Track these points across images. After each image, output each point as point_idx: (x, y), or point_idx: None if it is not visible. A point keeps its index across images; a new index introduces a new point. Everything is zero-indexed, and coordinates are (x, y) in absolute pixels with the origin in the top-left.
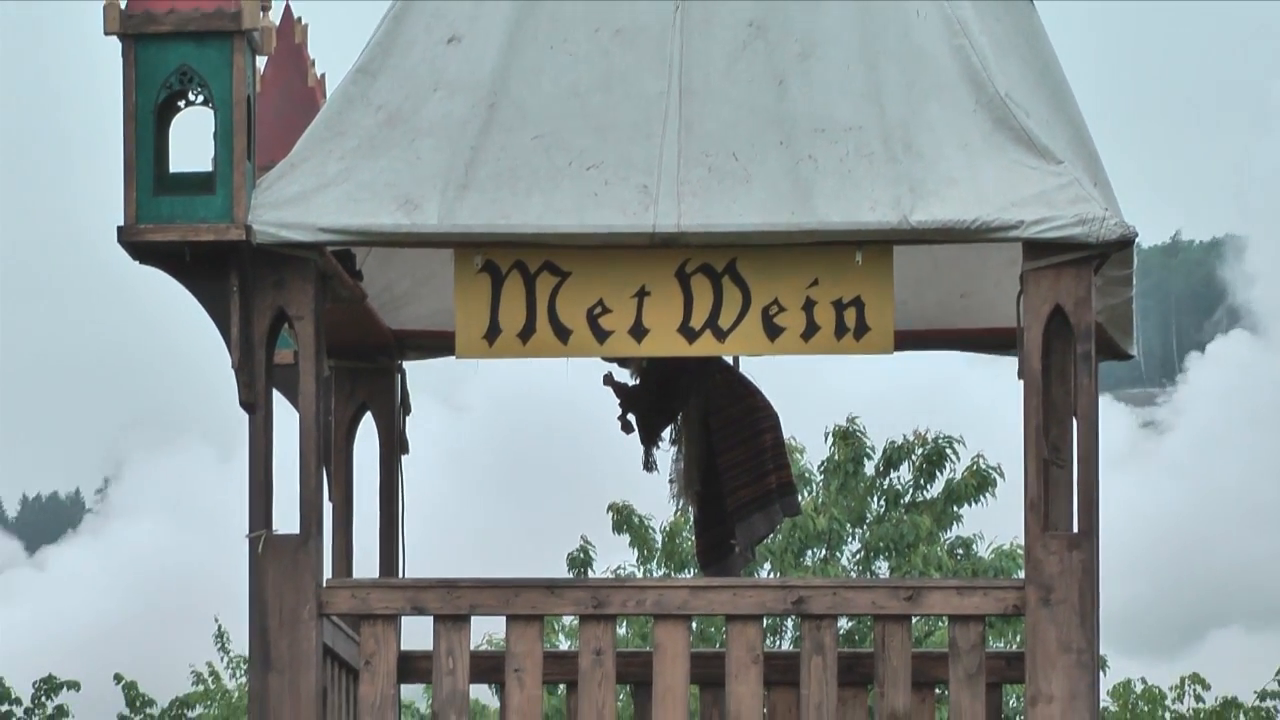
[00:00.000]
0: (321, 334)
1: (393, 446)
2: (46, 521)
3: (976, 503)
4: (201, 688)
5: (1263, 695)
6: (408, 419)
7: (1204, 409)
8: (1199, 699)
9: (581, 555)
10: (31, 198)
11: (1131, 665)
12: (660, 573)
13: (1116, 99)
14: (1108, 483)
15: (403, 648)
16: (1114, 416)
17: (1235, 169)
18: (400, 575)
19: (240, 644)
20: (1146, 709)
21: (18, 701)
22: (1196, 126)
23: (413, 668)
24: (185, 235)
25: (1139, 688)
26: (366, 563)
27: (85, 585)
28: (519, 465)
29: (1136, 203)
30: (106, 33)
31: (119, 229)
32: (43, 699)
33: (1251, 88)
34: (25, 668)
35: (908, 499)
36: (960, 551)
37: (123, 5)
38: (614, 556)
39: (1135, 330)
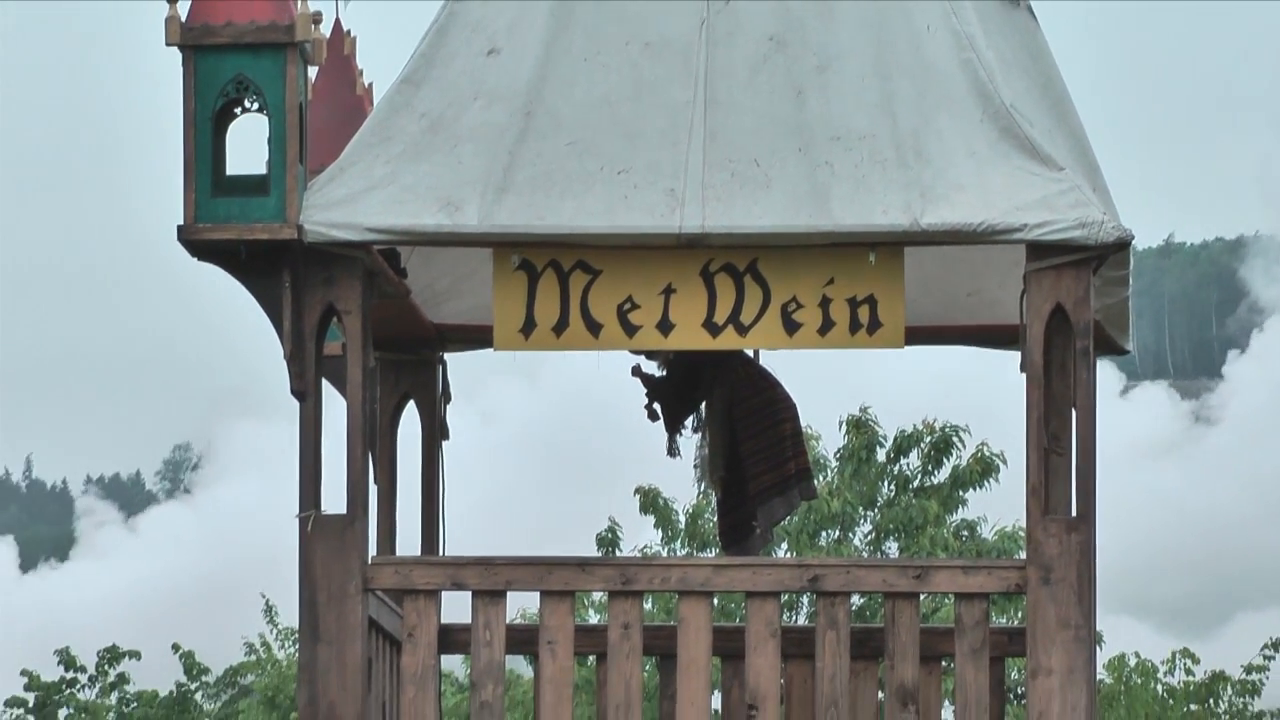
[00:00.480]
0: (368, 327)
1: (434, 433)
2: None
3: (981, 488)
4: (253, 658)
5: (1249, 669)
6: (448, 407)
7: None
8: (1189, 672)
9: (610, 535)
10: (93, 199)
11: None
12: (684, 552)
13: (1122, 104)
14: (1157, 469)
15: (443, 621)
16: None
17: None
18: (441, 553)
19: (289, 617)
20: (1140, 681)
21: (82, 669)
22: (1201, 128)
23: (452, 640)
24: (241, 234)
25: (1133, 661)
26: (409, 541)
27: (148, 560)
28: (554, 453)
29: (1170, 206)
30: (168, 44)
31: (179, 228)
32: (105, 667)
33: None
34: (91, 638)
35: (916, 484)
36: (965, 533)
37: (183, 18)
38: (640, 537)
39: (1130, 327)
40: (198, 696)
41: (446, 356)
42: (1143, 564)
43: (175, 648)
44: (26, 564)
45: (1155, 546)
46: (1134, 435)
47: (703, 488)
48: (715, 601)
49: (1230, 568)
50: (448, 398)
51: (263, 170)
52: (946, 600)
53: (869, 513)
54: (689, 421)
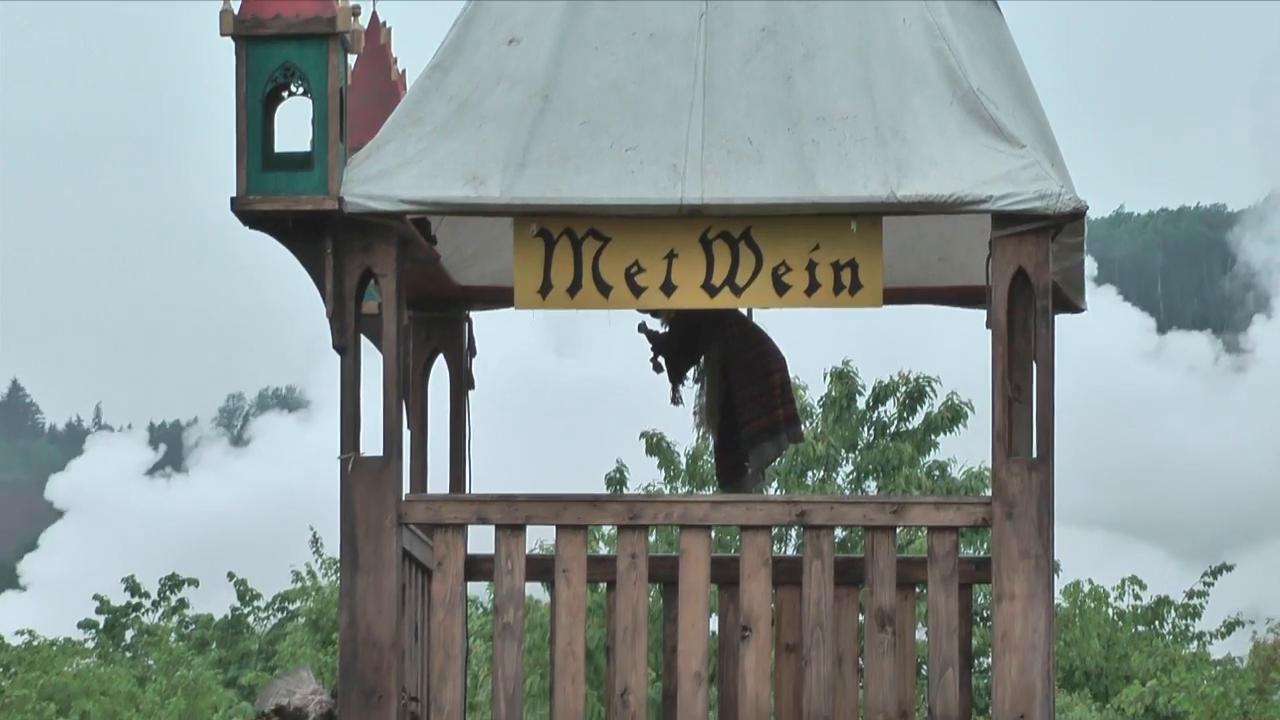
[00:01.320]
0: (402, 289)
1: (461, 384)
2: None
3: (950, 433)
4: (300, 585)
5: (1191, 594)
6: (473, 361)
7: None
8: (1137, 597)
9: (618, 476)
10: (151, 174)
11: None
12: (685, 490)
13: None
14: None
15: (469, 552)
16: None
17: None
18: (467, 491)
19: (333, 549)
20: (1093, 605)
21: (146, 595)
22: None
23: (477, 569)
24: (288, 205)
25: (1087, 588)
26: (438, 481)
27: (208, 496)
28: (567, 401)
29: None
30: (221, 34)
31: (232, 200)
32: (167, 593)
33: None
34: (155, 567)
35: (893, 429)
36: (937, 473)
37: (235, 11)
38: (645, 476)
39: (1085, 288)
40: (250, 620)
41: (472, 315)
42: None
43: (230, 575)
44: None
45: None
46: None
47: (701, 432)
48: (713, 534)
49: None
50: (473, 352)
51: (307, 148)
52: (920, 533)
53: (850, 455)
54: (689, 373)
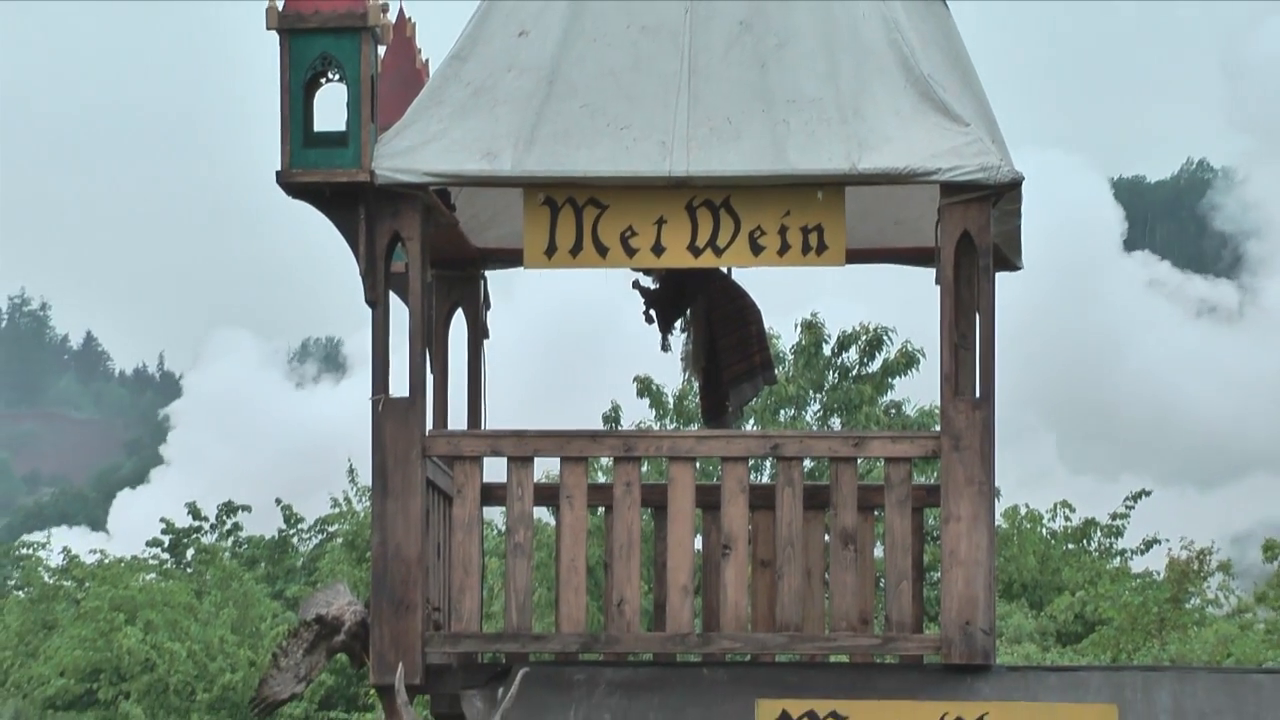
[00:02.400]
0: (425, 251)
1: (477, 334)
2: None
3: (905, 375)
4: (337, 510)
5: (1114, 516)
6: (488, 313)
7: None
8: (1068, 519)
9: (613, 414)
10: (204, 151)
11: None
12: (673, 426)
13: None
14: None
15: (484, 480)
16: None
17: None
18: (483, 427)
19: (366, 478)
20: (1029, 526)
21: (205, 519)
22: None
23: (492, 495)
24: (326, 178)
25: (1024, 510)
26: (458, 418)
27: (262, 434)
28: (570, 349)
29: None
30: (267, 28)
31: (277, 173)
32: (224, 517)
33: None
34: (213, 495)
35: (855, 373)
36: (893, 411)
37: (280, 8)
38: (638, 414)
39: (1021, 248)
40: (294, 541)
41: (487, 273)
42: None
43: (278, 501)
44: None
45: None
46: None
47: (687, 375)
48: (697, 465)
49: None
50: (488, 305)
51: (343, 128)
52: (878, 463)
53: (817, 395)
54: (677, 324)
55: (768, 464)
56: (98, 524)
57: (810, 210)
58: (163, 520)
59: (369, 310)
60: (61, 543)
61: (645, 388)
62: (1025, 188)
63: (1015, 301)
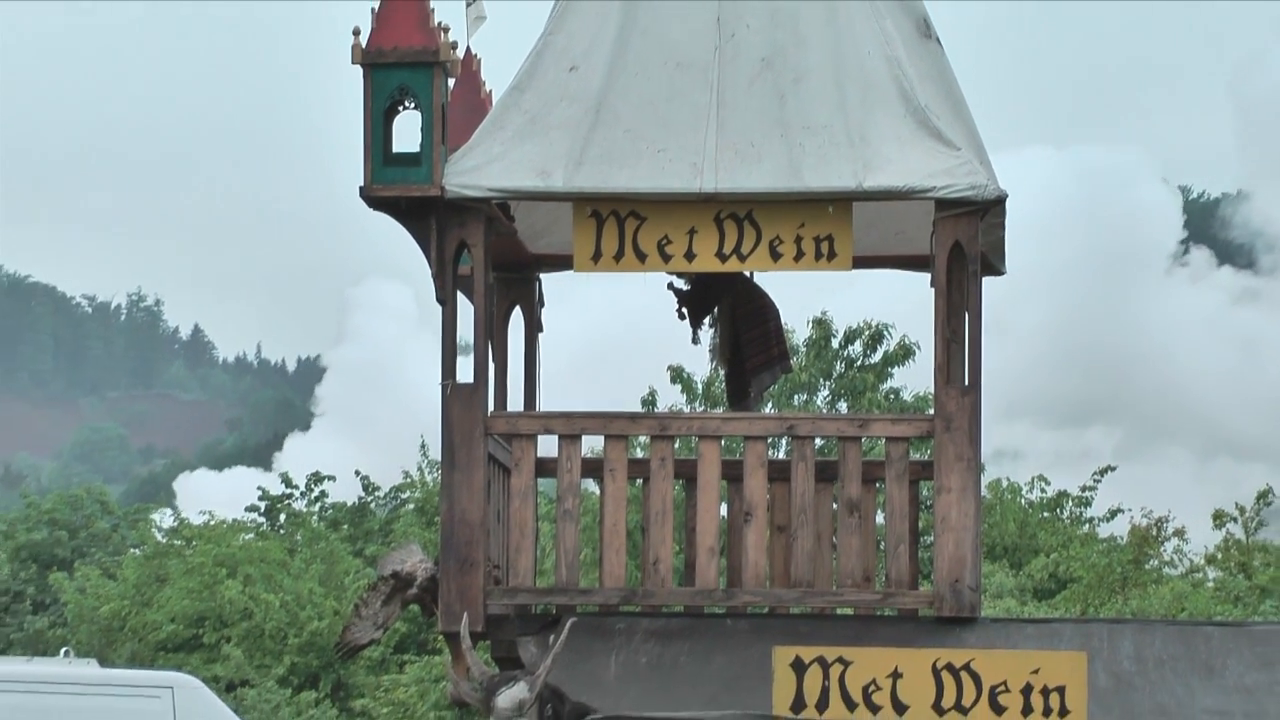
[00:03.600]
0: (488, 256)
1: (533, 328)
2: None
3: (903, 366)
4: (409, 480)
5: (1084, 488)
6: (542, 311)
7: None
8: (1044, 491)
9: (650, 398)
10: (296, 171)
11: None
12: (701, 409)
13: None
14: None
15: (538, 455)
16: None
17: None
18: (537, 409)
19: (436, 453)
20: (1010, 497)
21: (296, 487)
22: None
23: (545, 468)
24: (403, 192)
25: (1005, 483)
26: (515, 401)
27: (349, 423)
28: (613, 342)
29: None
30: (352, 63)
31: (360, 188)
32: (311, 485)
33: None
34: (305, 467)
35: (859, 363)
36: (893, 396)
37: (363, 45)
38: (671, 398)
39: (1005, 255)
40: (372, 506)
41: (541, 276)
42: None
43: (357, 472)
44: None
45: None
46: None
47: (714, 365)
48: (723, 443)
49: None
50: (542, 303)
51: (417, 149)
52: (879, 442)
53: (826, 382)
54: (706, 320)
55: (784, 442)
56: (265, 464)
57: (822, 222)
58: (259, 488)
59: (439, 307)
60: (196, 496)
61: (678, 375)
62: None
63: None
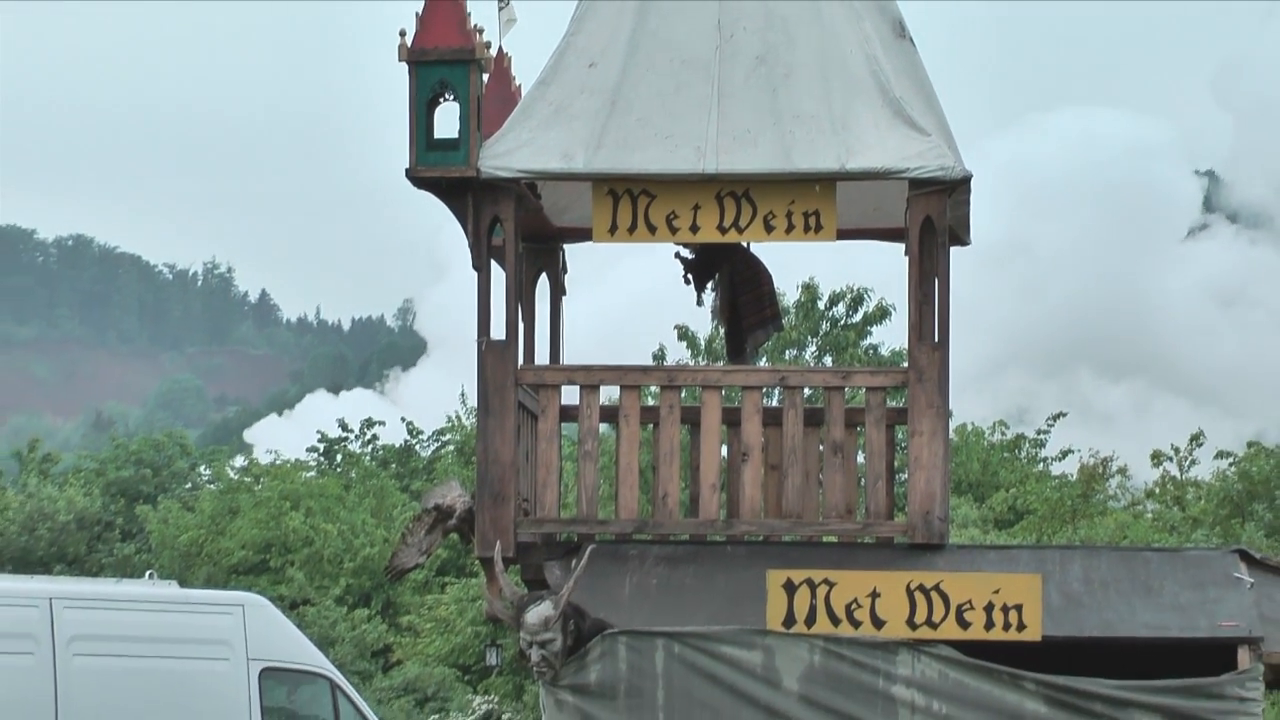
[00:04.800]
0: (518, 229)
1: (557, 292)
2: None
3: (880, 325)
4: (450, 424)
5: (1039, 431)
6: (565, 277)
7: None
8: (1003, 434)
9: (660, 353)
10: (350, 155)
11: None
12: (704, 363)
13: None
14: None
15: (562, 403)
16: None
17: None
18: (560, 363)
19: (473, 401)
20: (974, 439)
21: (351, 430)
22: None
23: (568, 414)
24: (444, 173)
25: (970, 427)
26: (542, 355)
27: (406, 378)
28: (627, 304)
29: None
30: (399, 60)
31: (406, 170)
32: (364, 430)
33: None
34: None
35: (842, 323)
36: (871, 351)
37: (408, 45)
38: (678, 354)
39: (969, 228)
40: (417, 448)
41: (565, 246)
42: None
43: (403, 419)
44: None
45: None
46: None
47: (716, 324)
48: (723, 392)
49: None
50: (565, 270)
51: (456, 136)
52: (860, 391)
53: (814, 339)
54: (708, 285)
55: (776, 392)
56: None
57: (810, 199)
58: (318, 432)
59: (474, 273)
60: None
61: (684, 334)
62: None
63: None
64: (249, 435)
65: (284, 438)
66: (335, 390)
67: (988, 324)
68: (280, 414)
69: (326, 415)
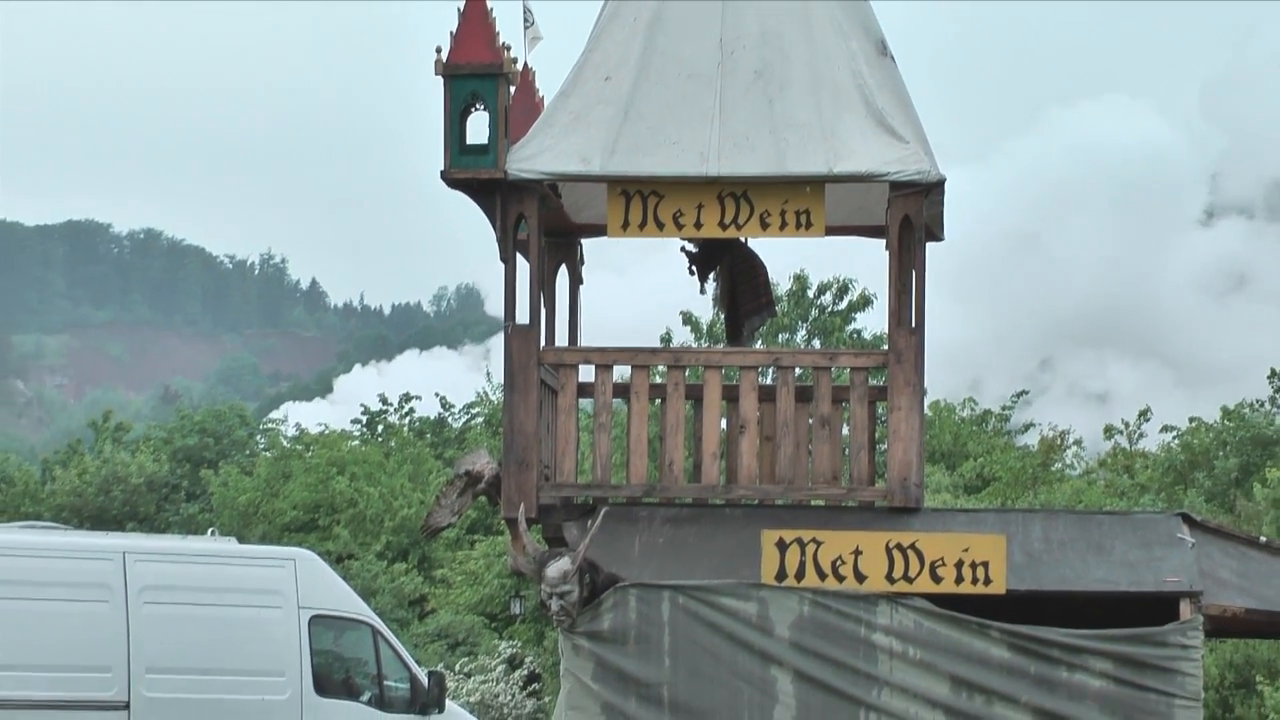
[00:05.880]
0: (540, 225)
1: (576, 282)
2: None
3: (863, 312)
4: (479, 398)
5: (1004, 406)
6: (582, 268)
7: None
8: (972, 409)
9: (667, 336)
10: (391, 158)
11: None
12: (706, 344)
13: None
14: None
15: (579, 380)
16: None
17: None
18: (578, 344)
19: (499, 378)
20: (946, 413)
21: (390, 404)
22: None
23: (584, 390)
24: (474, 175)
25: (943, 403)
26: (562, 338)
27: (444, 356)
28: (637, 293)
29: None
30: (435, 74)
31: (440, 172)
32: (403, 403)
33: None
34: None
35: (829, 309)
36: (855, 335)
37: (444, 60)
38: (683, 337)
39: (944, 226)
40: (449, 419)
41: (583, 240)
42: None
43: (437, 394)
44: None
45: None
46: None
47: (717, 310)
48: (723, 371)
49: None
50: (582, 262)
51: (485, 141)
52: (845, 371)
53: (804, 324)
54: (710, 275)
55: (770, 371)
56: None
57: (801, 199)
58: (361, 405)
59: (501, 265)
60: (299, 414)
61: (688, 319)
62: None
63: None
64: (295, 409)
65: (332, 410)
66: (427, 348)
67: (1014, 303)
68: (326, 394)
69: (398, 380)
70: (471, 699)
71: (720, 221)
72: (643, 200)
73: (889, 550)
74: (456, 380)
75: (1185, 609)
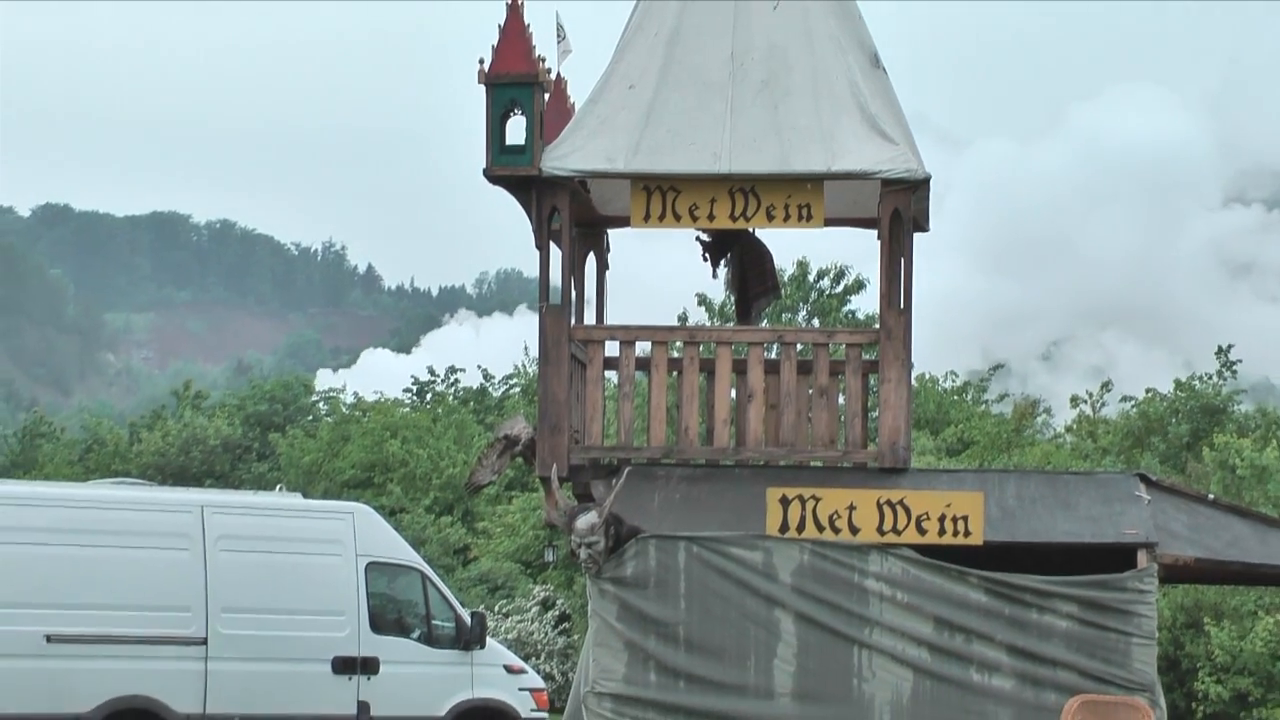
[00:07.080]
0: (571, 217)
1: (603, 267)
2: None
3: (858, 294)
4: (517, 370)
5: (980, 378)
6: (609, 255)
7: None
8: (953, 381)
9: (683, 315)
10: (441, 157)
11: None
12: (718, 323)
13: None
14: None
15: (606, 355)
16: None
17: None
18: (605, 323)
19: (535, 352)
20: (930, 385)
21: (436, 374)
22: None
23: (610, 364)
24: (512, 173)
25: (927, 376)
26: (590, 317)
27: (479, 334)
28: (658, 277)
29: None
30: (478, 83)
31: (483, 170)
32: (447, 375)
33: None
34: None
35: (828, 292)
36: (851, 315)
37: (485, 70)
38: (698, 316)
39: (929, 217)
40: (490, 389)
41: (609, 231)
42: None
43: (479, 367)
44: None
45: None
46: None
47: (728, 293)
48: (733, 347)
49: None
50: (609, 250)
51: (523, 143)
52: (842, 346)
53: (805, 305)
54: (722, 261)
55: (775, 347)
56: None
57: (803, 194)
58: (411, 376)
59: (537, 251)
60: (358, 382)
61: (703, 300)
62: None
63: None
64: (354, 377)
65: (386, 379)
66: (511, 309)
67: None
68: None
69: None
70: (509, 636)
71: (731, 214)
72: (662, 195)
73: (880, 506)
74: (496, 346)
75: (1142, 558)
